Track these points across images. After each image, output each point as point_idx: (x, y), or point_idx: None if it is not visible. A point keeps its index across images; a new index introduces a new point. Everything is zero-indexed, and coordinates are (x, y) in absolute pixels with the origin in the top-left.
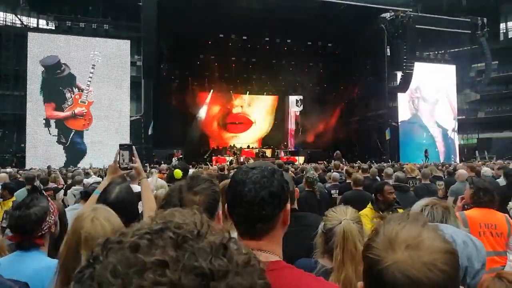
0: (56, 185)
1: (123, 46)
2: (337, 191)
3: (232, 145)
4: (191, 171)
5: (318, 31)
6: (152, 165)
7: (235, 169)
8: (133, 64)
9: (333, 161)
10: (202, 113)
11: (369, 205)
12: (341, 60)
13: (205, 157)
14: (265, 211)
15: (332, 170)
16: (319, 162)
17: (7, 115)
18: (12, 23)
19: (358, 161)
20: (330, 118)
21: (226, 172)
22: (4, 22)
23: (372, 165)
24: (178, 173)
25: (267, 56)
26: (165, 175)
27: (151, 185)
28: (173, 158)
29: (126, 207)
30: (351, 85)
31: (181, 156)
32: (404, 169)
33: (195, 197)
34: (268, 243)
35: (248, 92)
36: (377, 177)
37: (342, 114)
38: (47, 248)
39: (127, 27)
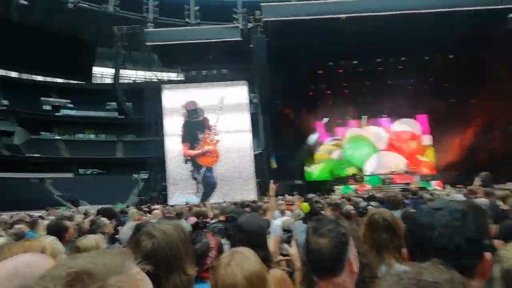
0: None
1: (241, 87)
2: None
3: (354, 173)
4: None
5: (436, 44)
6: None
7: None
8: (250, 102)
9: (478, 183)
10: (313, 139)
11: None
12: (467, 70)
13: (327, 186)
14: (461, 260)
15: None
16: (457, 186)
17: (151, 158)
18: (150, 79)
19: (507, 183)
20: (463, 136)
21: (353, 201)
22: (144, 79)
23: None
24: (305, 206)
25: (382, 78)
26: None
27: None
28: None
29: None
30: (484, 96)
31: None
32: None
33: (321, 239)
34: None
35: (367, 116)
36: None
37: (477, 130)
38: None
39: (244, 68)
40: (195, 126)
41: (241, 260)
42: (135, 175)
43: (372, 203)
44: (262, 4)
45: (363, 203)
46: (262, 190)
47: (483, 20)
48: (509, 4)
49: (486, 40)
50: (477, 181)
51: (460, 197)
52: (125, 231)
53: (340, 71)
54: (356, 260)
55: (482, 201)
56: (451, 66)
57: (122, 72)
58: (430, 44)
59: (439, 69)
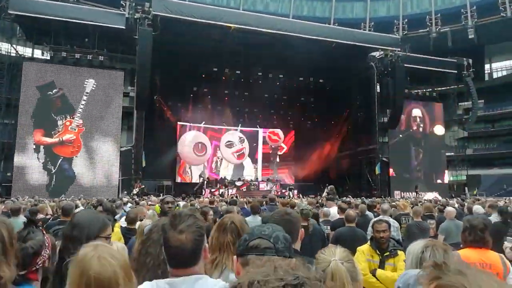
0: (44, 216)
1: (117, 77)
2: (329, 227)
3: (223, 177)
4: (181, 203)
5: (310, 67)
6: (143, 197)
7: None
8: (125, 94)
9: (324, 194)
10: (186, 143)
11: (369, 242)
12: (332, 95)
13: (195, 189)
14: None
15: (324, 205)
16: (310, 196)
17: None
18: (7, 52)
19: (349, 196)
20: (321, 152)
21: (216, 204)
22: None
23: (365, 200)
24: (158, 208)
25: (260, 91)
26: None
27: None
28: (134, 189)
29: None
30: (341, 120)
31: (142, 187)
32: (396, 205)
33: (181, 235)
34: None
35: (240, 125)
36: (367, 213)
37: (332, 149)
38: (39, 284)
39: (122, 59)
40: (54, 110)
41: (110, 251)
42: None
43: (235, 207)
44: None
45: (224, 207)
46: (126, 188)
47: (350, 53)
48: (372, 44)
49: (351, 72)
50: (324, 193)
51: (305, 205)
52: None
53: (224, 78)
54: (207, 247)
55: (326, 210)
56: (319, 89)
57: None
58: (305, 67)
59: (310, 90)
